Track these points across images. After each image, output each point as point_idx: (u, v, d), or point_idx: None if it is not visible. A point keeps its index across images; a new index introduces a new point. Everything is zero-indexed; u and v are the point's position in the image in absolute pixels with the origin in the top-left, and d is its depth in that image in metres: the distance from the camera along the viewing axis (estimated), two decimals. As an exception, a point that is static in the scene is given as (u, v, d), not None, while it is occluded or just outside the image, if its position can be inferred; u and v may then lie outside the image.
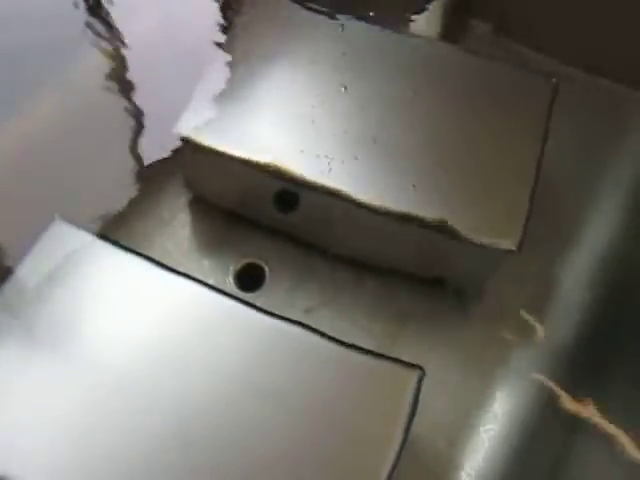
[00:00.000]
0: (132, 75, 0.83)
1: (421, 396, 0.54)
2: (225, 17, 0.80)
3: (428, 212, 0.62)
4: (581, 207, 0.78)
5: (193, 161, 0.70)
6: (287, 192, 0.67)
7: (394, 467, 0.50)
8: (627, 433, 0.65)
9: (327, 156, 0.65)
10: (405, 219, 0.62)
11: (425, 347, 0.69)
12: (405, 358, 0.55)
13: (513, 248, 0.61)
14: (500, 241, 0.61)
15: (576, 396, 0.67)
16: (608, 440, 0.65)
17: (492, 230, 0.62)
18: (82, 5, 0.85)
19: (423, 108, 0.68)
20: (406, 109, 0.67)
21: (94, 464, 0.50)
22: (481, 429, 0.66)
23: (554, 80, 0.69)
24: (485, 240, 0.61)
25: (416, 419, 0.53)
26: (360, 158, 0.65)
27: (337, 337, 0.56)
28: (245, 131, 0.66)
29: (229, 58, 0.70)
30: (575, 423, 0.66)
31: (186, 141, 0.67)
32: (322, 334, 0.56)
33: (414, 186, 0.63)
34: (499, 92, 0.69)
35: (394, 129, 0.66)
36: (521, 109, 0.68)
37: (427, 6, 0.87)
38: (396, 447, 0.51)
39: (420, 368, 0.54)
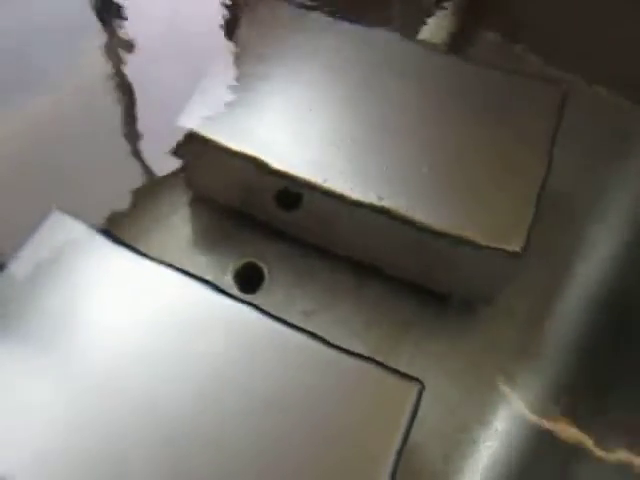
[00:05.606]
0: (135, 70, 0.82)
1: (419, 408, 0.52)
2: (230, 15, 0.80)
3: (432, 216, 0.62)
4: (586, 220, 0.77)
5: (195, 156, 0.69)
6: (289, 191, 0.65)
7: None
8: (629, 456, 0.64)
9: (331, 157, 0.64)
10: (407, 222, 0.62)
11: (425, 357, 0.68)
12: (403, 367, 0.54)
13: (517, 250, 0.60)
14: (504, 244, 0.61)
15: (576, 418, 0.66)
16: (608, 462, 0.64)
17: (496, 234, 0.61)
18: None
19: (427, 112, 0.67)
20: (411, 114, 0.67)
21: (82, 462, 0.49)
22: (481, 445, 0.64)
23: (563, 86, 0.68)
24: (489, 242, 0.61)
25: (413, 431, 0.51)
26: (364, 162, 0.64)
27: (335, 342, 0.54)
28: (249, 127, 0.65)
29: (233, 55, 0.70)
30: (576, 446, 0.65)
31: (189, 134, 0.65)
32: (321, 339, 0.54)
33: (417, 190, 0.63)
34: (505, 98, 0.68)
35: (398, 134, 0.66)
36: (529, 115, 0.67)
37: (436, 13, 0.86)
38: (392, 460, 0.49)
39: (419, 381, 0.53)
